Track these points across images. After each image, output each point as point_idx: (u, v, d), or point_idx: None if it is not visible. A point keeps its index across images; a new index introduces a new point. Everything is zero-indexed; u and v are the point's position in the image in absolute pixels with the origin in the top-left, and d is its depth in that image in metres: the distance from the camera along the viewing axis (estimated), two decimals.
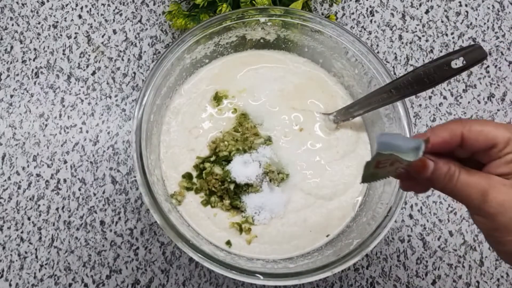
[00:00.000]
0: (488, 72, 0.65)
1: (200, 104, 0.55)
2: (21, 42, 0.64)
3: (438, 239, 0.58)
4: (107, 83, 0.62)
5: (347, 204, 0.53)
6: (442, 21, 0.66)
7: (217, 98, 0.55)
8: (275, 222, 0.52)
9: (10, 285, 0.56)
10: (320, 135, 0.55)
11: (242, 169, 0.52)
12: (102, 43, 0.64)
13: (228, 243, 0.51)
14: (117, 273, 0.57)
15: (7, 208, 0.58)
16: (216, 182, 0.52)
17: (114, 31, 0.64)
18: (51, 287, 0.56)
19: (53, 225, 0.58)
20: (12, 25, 0.64)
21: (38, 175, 0.59)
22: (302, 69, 0.57)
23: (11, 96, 0.62)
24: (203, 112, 0.55)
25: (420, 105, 0.63)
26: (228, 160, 0.53)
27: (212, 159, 0.53)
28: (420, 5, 0.67)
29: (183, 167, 0.54)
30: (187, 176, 0.53)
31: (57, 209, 0.58)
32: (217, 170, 0.52)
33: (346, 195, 0.54)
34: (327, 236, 0.52)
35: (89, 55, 0.63)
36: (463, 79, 0.64)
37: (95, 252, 0.57)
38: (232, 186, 0.51)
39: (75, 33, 0.64)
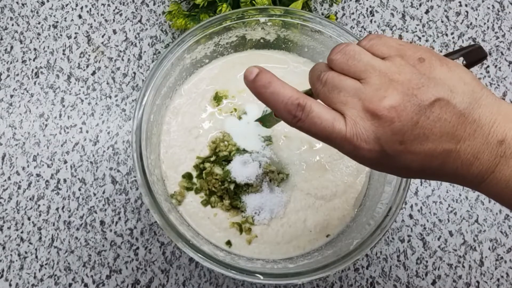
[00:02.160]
0: (488, 72, 0.65)
1: (200, 104, 0.55)
2: (21, 42, 0.64)
3: (438, 239, 0.58)
4: (107, 83, 0.62)
5: (347, 204, 0.53)
6: (442, 21, 0.66)
7: (217, 98, 0.55)
8: (275, 222, 0.52)
9: (10, 285, 0.56)
10: None
11: (242, 169, 0.52)
12: (102, 43, 0.64)
13: (228, 243, 0.51)
14: (117, 273, 0.57)
15: (7, 208, 0.58)
16: (216, 182, 0.52)
17: (114, 31, 0.64)
18: (51, 287, 0.56)
19: (53, 225, 0.58)
20: (12, 25, 0.64)
21: (38, 175, 0.59)
22: (302, 69, 0.57)
23: (11, 96, 0.62)
24: (203, 112, 0.55)
25: None
26: (228, 160, 0.53)
27: (212, 159, 0.53)
28: (420, 5, 0.67)
29: (183, 167, 0.54)
30: (187, 176, 0.53)
31: (57, 209, 0.58)
32: (217, 170, 0.52)
33: (346, 195, 0.54)
34: (327, 236, 0.52)
35: (89, 55, 0.63)
36: None
37: (95, 252, 0.57)
38: (232, 186, 0.51)
39: (75, 33, 0.64)
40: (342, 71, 0.33)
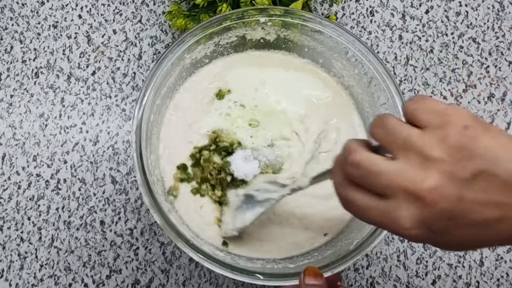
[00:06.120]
0: (488, 72, 0.65)
1: (202, 101, 0.55)
2: (21, 42, 0.64)
3: None
4: (107, 83, 0.62)
5: None
6: (442, 21, 0.66)
7: (220, 95, 0.55)
8: (270, 220, 0.52)
9: (10, 285, 0.56)
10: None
11: (242, 164, 0.51)
12: (102, 43, 0.64)
13: (225, 243, 0.51)
14: (117, 273, 0.57)
15: (7, 208, 0.58)
16: (213, 170, 0.51)
17: (114, 31, 0.64)
18: (51, 287, 0.56)
19: (53, 225, 0.58)
20: (12, 25, 0.64)
21: (38, 175, 0.59)
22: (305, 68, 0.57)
23: (11, 96, 0.62)
24: (205, 109, 0.55)
25: None
26: (228, 151, 0.52)
27: (212, 147, 0.52)
28: (420, 5, 0.67)
29: (179, 160, 0.53)
30: (182, 167, 0.53)
31: (57, 209, 0.58)
32: (216, 158, 0.52)
33: None
34: (325, 235, 0.52)
35: (89, 55, 0.63)
36: (463, 79, 0.64)
37: (95, 252, 0.57)
38: (229, 178, 0.51)
39: (75, 33, 0.64)
40: (383, 144, 0.34)
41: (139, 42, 0.64)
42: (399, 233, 0.33)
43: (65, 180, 0.59)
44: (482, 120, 0.33)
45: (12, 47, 0.63)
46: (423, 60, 0.65)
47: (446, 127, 0.31)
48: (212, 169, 0.51)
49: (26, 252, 0.57)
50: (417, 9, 0.67)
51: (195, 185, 0.52)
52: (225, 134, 0.53)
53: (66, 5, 0.65)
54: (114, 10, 0.65)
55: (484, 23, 0.66)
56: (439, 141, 0.31)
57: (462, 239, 0.32)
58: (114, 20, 0.65)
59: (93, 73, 0.63)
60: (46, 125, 0.61)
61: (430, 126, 0.32)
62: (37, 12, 0.65)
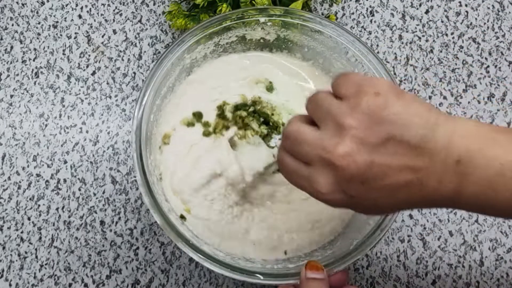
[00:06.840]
0: (488, 72, 0.65)
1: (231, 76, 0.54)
2: (21, 42, 0.64)
3: (438, 239, 0.58)
4: (107, 83, 0.62)
5: (321, 235, 0.51)
6: (442, 21, 0.66)
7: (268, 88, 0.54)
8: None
9: (10, 285, 0.56)
10: None
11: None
12: (102, 43, 0.64)
13: (182, 217, 0.50)
14: (117, 273, 0.57)
15: (7, 208, 0.58)
16: (244, 123, 0.51)
17: (114, 31, 0.64)
18: (51, 287, 0.56)
19: (53, 225, 0.58)
20: (12, 25, 0.64)
21: (38, 175, 0.59)
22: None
23: (11, 96, 0.62)
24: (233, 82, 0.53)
25: None
26: (265, 120, 0.51)
27: (250, 109, 0.51)
28: (420, 5, 0.67)
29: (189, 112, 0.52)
30: (197, 115, 0.52)
31: (57, 209, 0.58)
32: (254, 125, 0.51)
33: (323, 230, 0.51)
34: (285, 253, 0.50)
35: (89, 55, 0.63)
36: (463, 79, 0.64)
37: (95, 252, 0.57)
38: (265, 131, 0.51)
39: (75, 33, 0.64)
40: (312, 116, 0.36)
41: (139, 42, 0.64)
42: (319, 198, 0.35)
43: (65, 180, 0.59)
44: (398, 88, 0.34)
45: (12, 47, 0.63)
46: (423, 60, 0.65)
47: (359, 96, 0.33)
48: (241, 125, 0.51)
49: (26, 252, 0.57)
50: (417, 9, 0.67)
51: (210, 130, 0.51)
52: (270, 105, 0.52)
53: (66, 5, 0.65)
54: (114, 10, 0.65)
55: (484, 23, 0.66)
56: (351, 109, 0.32)
57: (378, 203, 0.34)
58: (114, 20, 0.65)
59: (93, 73, 0.63)
60: (46, 125, 0.61)
61: (348, 96, 0.33)
62: (37, 12, 0.65)
